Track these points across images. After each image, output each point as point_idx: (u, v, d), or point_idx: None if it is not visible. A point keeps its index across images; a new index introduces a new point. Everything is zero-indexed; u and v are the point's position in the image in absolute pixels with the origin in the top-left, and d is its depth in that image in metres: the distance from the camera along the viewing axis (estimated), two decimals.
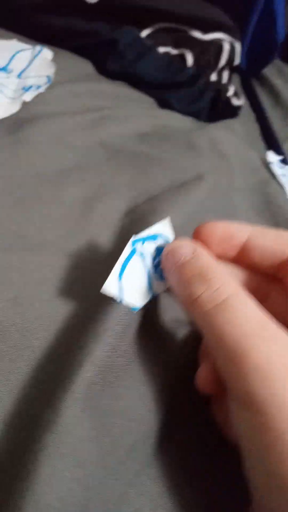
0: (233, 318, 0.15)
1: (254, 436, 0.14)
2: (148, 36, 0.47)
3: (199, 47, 0.49)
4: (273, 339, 0.15)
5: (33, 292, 0.23)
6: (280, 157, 0.42)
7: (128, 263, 0.20)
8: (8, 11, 0.41)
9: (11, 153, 0.29)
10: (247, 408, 0.14)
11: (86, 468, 0.17)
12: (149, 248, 0.21)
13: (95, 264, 0.21)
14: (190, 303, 0.17)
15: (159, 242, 0.21)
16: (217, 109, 0.46)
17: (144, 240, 0.21)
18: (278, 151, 0.44)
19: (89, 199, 0.28)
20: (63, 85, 0.36)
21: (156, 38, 0.47)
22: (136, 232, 0.21)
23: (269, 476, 0.14)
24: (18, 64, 0.35)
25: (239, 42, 0.52)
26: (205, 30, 0.49)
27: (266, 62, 0.62)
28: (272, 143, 0.47)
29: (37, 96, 0.33)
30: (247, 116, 0.50)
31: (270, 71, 0.66)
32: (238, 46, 0.51)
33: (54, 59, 0.36)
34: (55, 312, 0.22)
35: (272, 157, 0.41)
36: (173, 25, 0.48)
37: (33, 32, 0.40)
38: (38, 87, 0.33)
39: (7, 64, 0.35)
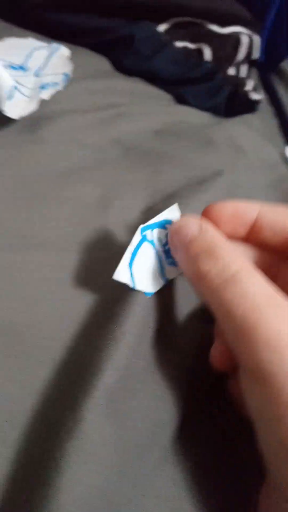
0: (241, 293, 0.15)
1: (265, 409, 0.14)
2: (165, 31, 0.46)
3: (216, 41, 0.48)
4: (281, 311, 0.15)
5: (48, 292, 0.22)
6: None
7: (139, 250, 0.20)
8: (24, 9, 0.41)
9: (27, 152, 0.29)
10: (258, 380, 0.14)
11: (105, 474, 0.17)
12: (159, 235, 0.21)
13: (112, 263, 0.20)
14: (198, 280, 0.17)
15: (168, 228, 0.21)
16: (235, 104, 0.45)
17: (153, 227, 0.21)
18: None
19: (105, 197, 0.28)
20: (80, 82, 0.36)
21: (173, 33, 0.46)
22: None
23: (282, 448, 0.14)
24: (35, 62, 0.35)
25: (257, 35, 0.51)
26: (223, 24, 0.48)
27: (285, 55, 0.61)
28: None
29: (54, 94, 0.33)
30: (265, 111, 0.49)
31: None
32: (256, 40, 0.50)
33: (71, 57, 0.36)
34: (72, 313, 0.22)
35: None
36: (190, 19, 0.47)
37: (49, 30, 0.40)
38: (56, 84, 0.33)
39: (25, 63, 0.35)
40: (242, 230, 0.20)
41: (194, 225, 0.19)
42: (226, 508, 0.18)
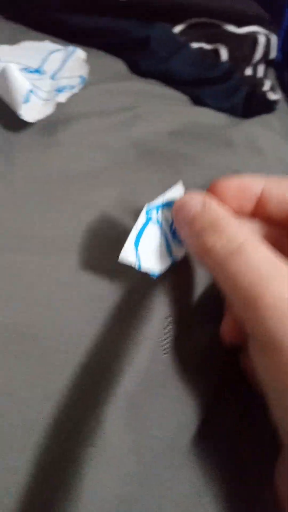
0: (247, 263, 0.16)
1: (275, 378, 0.14)
2: (181, 32, 0.46)
3: (233, 42, 0.47)
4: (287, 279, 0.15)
5: (65, 295, 0.22)
6: None
7: (144, 231, 0.20)
8: (39, 12, 0.41)
9: (44, 155, 0.29)
10: (266, 350, 0.14)
11: (125, 481, 0.17)
12: (166, 214, 0.21)
13: (131, 267, 0.20)
14: (204, 254, 0.17)
15: None
16: (252, 105, 0.44)
17: (158, 207, 0.21)
18: None
19: (122, 200, 0.28)
20: (96, 85, 0.36)
21: (189, 34, 0.46)
22: None
23: None
24: (51, 65, 0.35)
25: (274, 34, 0.50)
26: (240, 24, 0.47)
27: None
28: None
29: (70, 97, 0.33)
30: (283, 110, 0.48)
31: None
32: (274, 39, 0.50)
33: (87, 59, 0.36)
34: (90, 316, 0.22)
35: None
36: (206, 19, 0.47)
37: (66, 32, 0.40)
38: (72, 87, 0.33)
39: (41, 66, 0.35)
40: (248, 205, 0.20)
41: (198, 200, 0.19)
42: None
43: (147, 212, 0.20)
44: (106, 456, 0.16)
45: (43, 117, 0.30)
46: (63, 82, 0.33)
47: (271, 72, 0.56)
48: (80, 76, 0.34)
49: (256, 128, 0.39)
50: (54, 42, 0.38)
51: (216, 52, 0.47)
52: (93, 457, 0.16)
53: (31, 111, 0.30)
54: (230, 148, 0.35)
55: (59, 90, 0.32)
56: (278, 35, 0.54)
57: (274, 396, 0.15)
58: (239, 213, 0.20)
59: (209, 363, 0.21)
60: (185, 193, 0.22)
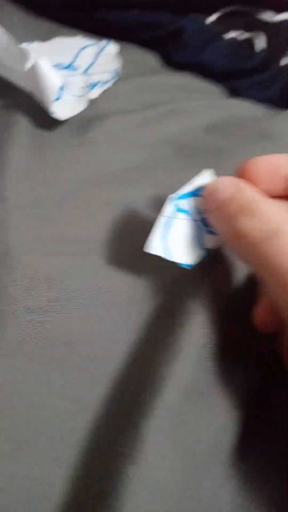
0: (285, 247, 0.15)
1: None
2: (215, 22, 0.45)
3: (268, 30, 0.45)
4: None
5: (102, 299, 0.21)
6: None
7: (172, 221, 0.19)
8: (71, 9, 0.40)
9: (75, 155, 0.29)
10: None
11: (166, 500, 0.16)
12: (195, 203, 0.20)
13: (168, 265, 0.19)
14: (237, 239, 0.17)
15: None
16: None
17: (186, 196, 0.20)
18: None
19: (157, 199, 0.27)
20: (129, 80, 0.35)
21: (223, 24, 0.44)
22: None
23: None
24: (83, 61, 0.34)
25: None
26: (276, 10, 0.45)
27: None
28: None
29: (103, 93, 0.32)
30: None
31: None
32: None
33: (120, 53, 0.35)
34: (130, 322, 0.21)
35: None
36: (241, 8, 0.45)
37: (97, 28, 0.39)
38: (105, 82, 0.32)
39: (73, 62, 0.34)
40: (280, 186, 0.19)
41: (229, 184, 0.18)
42: None
43: (174, 201, 0.19)
44: (146, 474, 0.16)
45: (75, 114, 0.29)
46: (96, 78, 0.32)
47: None
48: (113, 71, 0.33)
49: None
50: (86, 37, 0.37)
51: (251, 42, 0.45)
52: (133, 475, 0.16)
53: (63, 108, 0.29)
54: (269, 140, 0.34)
55: (92, 86, 0.32)
56: None
57: None
58: (270, 194, 0.19)
59: (253, 366, 0.20)
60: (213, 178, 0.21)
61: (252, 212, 0.17)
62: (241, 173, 0.20)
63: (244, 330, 0.21)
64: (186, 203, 0.20)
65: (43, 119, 0.29)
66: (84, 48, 0.35)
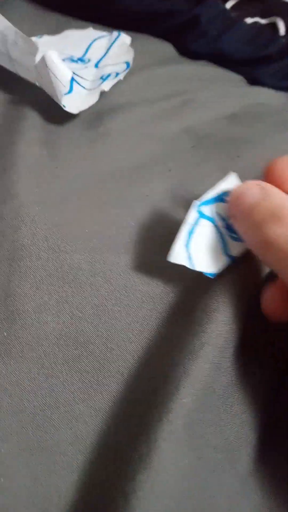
0: None
1: None
2: (233, 7, 0.43)
3: None
4: None
5: (119, 298, 0.21)
6: None
7: (196, 228, 0.19)
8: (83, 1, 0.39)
9: (90, 149, 0.27)
10: None
11: (180, 509, 0.15)
12: (219, 209, 0.19)
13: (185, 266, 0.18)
14: (265, 247, 0.16)
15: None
16: None
17: (210, 202, 0.19)
18: None
19: (176, 192, 0.26)
20: (142, 71, 0.34)
21: (242, 9, 0.43)
22: None
23: None
24: (95, 53, 0.33)
25: None
26: None
27: None
28: None
29: (115, 85, 0.30)
30: None
31: None
32: None
33: (132, 44, 0.34)
34: (145, 322, 0.20)
35: None
36: None
37: (108, 19, 0.38)
38: (117, 74, 0.31)
39: (84, 54, 0.33)
40: None
41: (256, 189, 0.17)
42: None
43: (197, 208, 0.19)
44: (159, 480, 0.15)
45: (87, 108, 0.28)
46: (108, 70, 0.31)
47: None
48: (125, 62, 0.32)
49: None
50: (97, 29, 0.36)
51: (272, 27, 0.43)
52: (146, 481, 0.15)
53: (75, 101, 0.28)
54: None
55: (104, 78, 0.30)
56: None
57: None
58: None
59: (270, 366, 0.19)
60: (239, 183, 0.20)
61: (281, 218, 0.16)
62: (269, 175, 0.19)
63: (263, 330, 0.20)
64: (209, 209, 0.19)
65: (54, 113, 0.28)
66: (95, 40, 0.34)
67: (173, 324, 0.20)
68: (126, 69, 0.31)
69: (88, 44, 0.33)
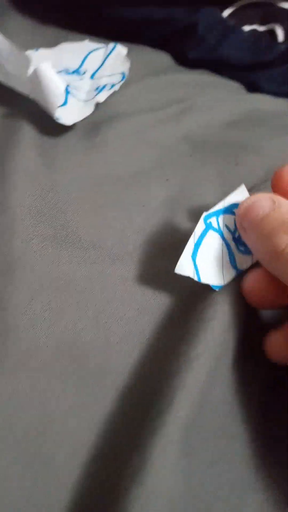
0: None
1: None
2: (231, 15, 0.42)
3: None
4: None
5: (116, 308, 0.21)
6: None
7: (203, 240, 0.19)
8: (80, 10, 0.39)
9: (86, 158, 0.27)
10: None
11: None
12: (227, 221, 0.19)
13: (180, 276, 0.18)
14: (275, 256, 0.16)
15: None
16: None
17: (218, 213, 0.19)
18: None
19: (174, 199, 0.26)
20: (139, 80, 0.34)
21: (240, 16, 0.42)
22: None
23: None
24: (91, 65, 0.33)
25: None
26: None
27: None
28: None
29: (111, 96, 0.30)
30: None
31: None
32: None
33: (129, 55, 0.33)
34: (140, 332, 0.20)
35: None
36: None
37: (105, 29, 0.38)
38: (112, 86, 0.30)
39: (80, 66, 0.33)
40: None
41: (266, 200, 0.17)
42: None
43: (205, 219, 0.19)
44: (154, 497, 0.15)
45: (82, 119, 0.28)
46: (103, 81, 0.31)
47: None
48: (121, 73, 0.32)
49: None
50: (94, 41, 0.36)
51: (271, 33, 0.43)
52: (140, 497, 0.14)
53: (69, 113, 0.28)
54: None
55: (99, 89, 0.30)
56: None
57: None
58: None
59: (268, 375, 0.19)
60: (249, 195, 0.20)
61: None
62: (278, 183, 0.19)
63: (258, 329, 0.20)
64: (218, 221, 0.19)
65: (49, 125, 0.28)
66: (91, 52, 0.34)
67: (170, 335, 0.20)
68: (122, 80, 0.31)
69: (84, 56, 0.33)
